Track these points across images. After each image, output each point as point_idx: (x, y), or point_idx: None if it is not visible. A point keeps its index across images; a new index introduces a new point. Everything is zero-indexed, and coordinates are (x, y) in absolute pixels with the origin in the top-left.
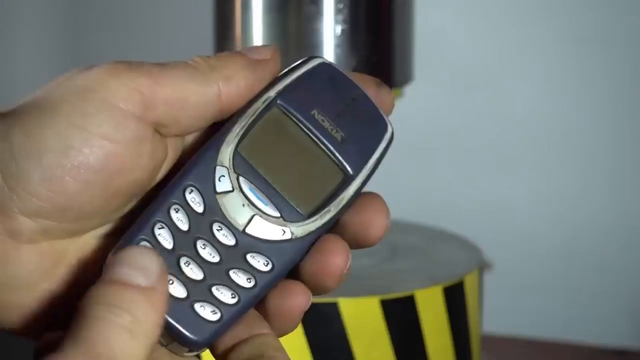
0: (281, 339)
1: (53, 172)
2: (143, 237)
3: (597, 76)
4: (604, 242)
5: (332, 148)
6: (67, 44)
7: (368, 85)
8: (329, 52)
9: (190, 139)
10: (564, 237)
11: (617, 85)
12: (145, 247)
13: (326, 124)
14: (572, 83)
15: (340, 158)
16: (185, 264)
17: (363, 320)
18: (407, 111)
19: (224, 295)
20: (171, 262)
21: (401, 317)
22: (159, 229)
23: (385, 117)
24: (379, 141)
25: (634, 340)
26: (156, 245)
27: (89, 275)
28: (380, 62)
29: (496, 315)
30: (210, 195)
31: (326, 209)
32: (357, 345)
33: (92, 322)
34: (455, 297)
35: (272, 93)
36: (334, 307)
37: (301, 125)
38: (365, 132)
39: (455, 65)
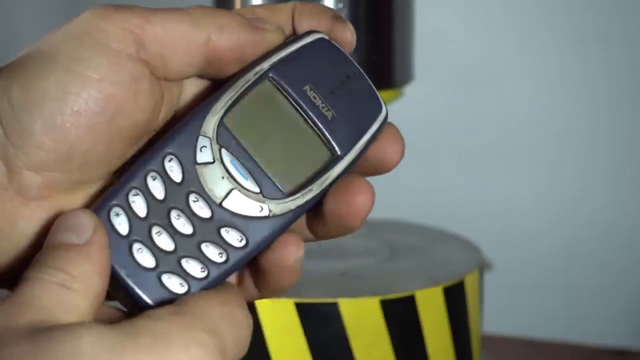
0: (281, 340)
1: (54, 121)
2: (116, 202)
3: (597, 76)
4: (604, 242)
5: (321, 126)
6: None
7: (322, 18)
8: None
9: (187, 97)
10: (564, 237)
11: (617, 85)
12: (79, 209)
13: (317, 101)
14: (572, 83)
15: (328, 137)
16: (157, 233)
17: (363, 320)
18: (407, 111)
19: (193, 268)
20: (143, 230)
21: (401, 317)
22: (134, 195)
23: (380, 98)
24: (371, 122)
25: (634, 340)
26: (129, 212)
27: None
28: (380, 62)
29: (496, 315)
30: (189, 165)
31: (308, 188)
32: (357, 345)
33: (26, 282)
34: (455, 297)
35: (265, 65)
36: (334, 307)
37: (291, 101)
38: (358, 111)
39: (455, 65)
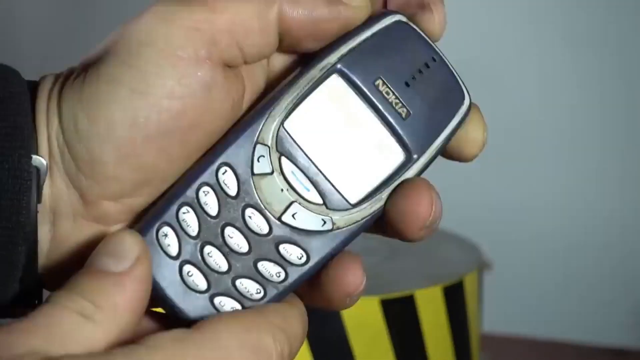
0: None
1: (126, 149)
2: (165, 221)
3: (598, 76)
4: (604, 241)
5: (394, 125)
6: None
7: (412, 6)
8: None
9: (274, 71)
10: (564, 237)
11: (618, 85)
12: (127, 231)
13: (391, 97)
14: (574, 84)
15: (403, 137)
16: (209, 253)
17: (363, 320)
18: None
19: (249, 289)
20: (193, 250)
21: (401, 317)
22: (184, 213)
23: (463, 85)
24: (451, 116)
25: (634, 340)
26: (179, 230)
27: None
28: None
29: (496, 315)
30: (245, 177)
31: (377, 197)
32: (357, 345)
33: (46, 306)
34: (455, 297)
35: (332, 59)
36: None
37: (361, 98)
38: (437, 105)
39: (455, 65)
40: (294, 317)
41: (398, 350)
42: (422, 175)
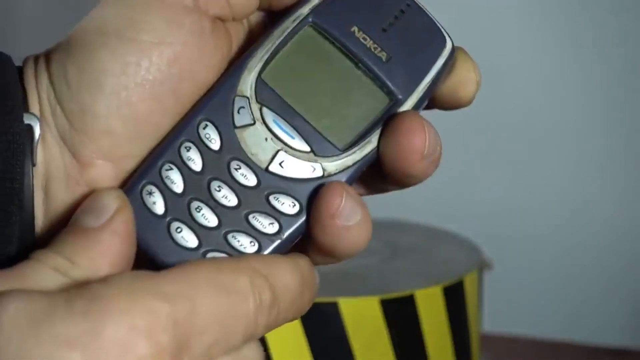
0: (281, 339)
1: (118, 98)
2: (148, 181)
3: (601, 76)
4: (604, 241)
5: (375, 69)
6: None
7: None
8: None
9: (256, 25)
10: (563, 237)
11: (618, 85)
12: (107, 188)
13: (368, 42)
14: (574, 83)
15: (385, 80)
16: (197, 209)
17: (363, 320)
18: None
19: (242, 243)
20: (181, 207)
21: (401, 317)
22: (167, 170)
23: (442, 29)
24: (434, 58)
25: (634, 340)
26: (164, 188)
27: None
28: None
29: (496, 315)
30: (228, 130)
31: (366, 140)
32: (357, 345)
33: (24, 263)
34: (455, 297)
35: (304, 10)
36: (334, 306)
37: (338, 45)
38: (418, 48)
39: None
40: (283, 267)
41: (398, 350)
42: None
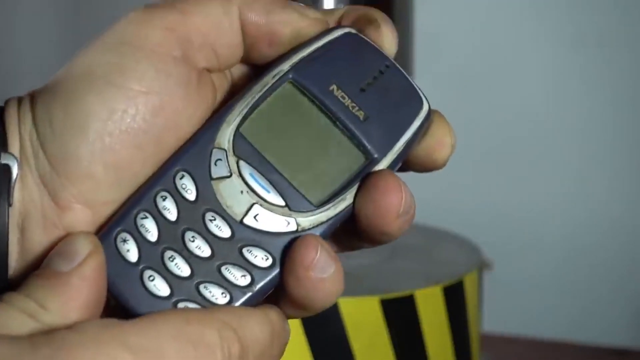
0: None
1: (102, 143)
2: (123, 228)
3: (598, 76)
4: (604, 242)
5: (352, 127)
6: (70, 11)
7: (362, 23)
8: None
9: (238, 77)
10: (564, 237)
11: (618, 85)
12: (80, 232)
13: (347, 101)
14: (572, 83)
15: (361, 138)
16: (169, 258)
17: (363, 320)
18: None
19: (214, 294)
20: (154, 256)
21: (401, 317)
22: (142, 218)
23: (420, 91)
24: (411, 119)
25: (634, 340)
26: (138, 236)
27: None
28: None
29: (496, 315)
30: (204, 181)
31: (341, 197)
32: (357, 345)
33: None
34: (455, 297)
35: (285, 66)
36: (334, 306)
37: (316, 102)
38: (395, 109)
39: (455, 65)
40: (253, 320)
41: (398, 350)
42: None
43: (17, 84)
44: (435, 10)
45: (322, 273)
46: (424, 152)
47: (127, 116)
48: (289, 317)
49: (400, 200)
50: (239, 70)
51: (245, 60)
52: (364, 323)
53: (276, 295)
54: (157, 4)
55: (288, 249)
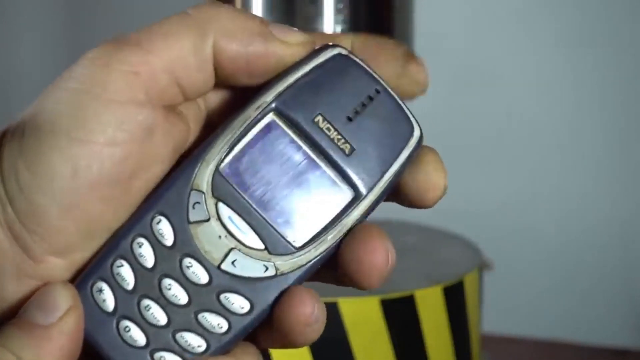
0: None
1: (69, 200)
2: (99, 276)
3: (598, 76)
4: (604, 242)
5: (337, 162)
6: (67, 28)
7: (390, 59)
8: None
9: (217, 100)
10: (564, 237)
11: (618, 84)
12: (58, 283)
13: (332, 133)
14: (573, 83)
15: (347, 174)
16: (146, 307)
17: (363, 320)
18: None
19: (190, 342)
20: (130, 305)
21: (401, 317)
22: (118, 267)
23: (411, 116)
24: (399, 149)
25: (634, 340)
26: (114, 285)
27: None
28: None
29: (496, 315)
30: (181, 226)
31: (322, 239)
32: (357, 345)
33: None
34: (455, 297)
35: (268, 97)
36: (334, 307)
37: (300, 136)
38: (384, 138)
39: (455, 65)
40: None
41: (398, 350)
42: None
43: (16, 99)
44: (435, 11)
45: (316, 322)
46: (417, 191)
47: (92, 171)
48: (268, 348)
49: (387, 264)
50: (218, 95)
51: (224, 86)
52: (364, 323)
53: (257, 330)
54: (121, 40)
55: (269, 295)
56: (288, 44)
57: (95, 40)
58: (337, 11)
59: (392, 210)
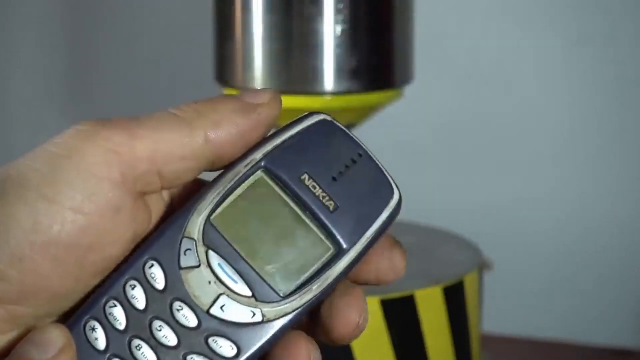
0: None
1: (22, 251)
2: (92, 316)
3: (601, 76)
4: (604, 241)
5: (322, 218)
6: (65, 43)
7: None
8: (329, 52)
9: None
10: (564, 237)
11: (620, 85)
12: (53, 324)
13: (317, 191)
14: (574, 83)
15: (331, 229)
16: (137, 347)
17: None
18: (407, 111)
19: None
20: (121, 345)
21: (401, 317)
22: (111, 307)
23: (391, 180)
24: (380, 209)
25: (634, 340)
26: (106, 325)
27: None
28: (380, 62)
29: (496, 315)
30: (173, 271)
31: (307, 288)
32: (357, 345)
33: None
34: (455, 297)
35: (257, 155)
36: None
37: (287, 192)
38: (366, 198)
39: (455, 65)
40: None
41: (398, 350)
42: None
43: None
44: (435, 10)
45: None
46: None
47: (52, 231)
48: None
49: (360, 322)
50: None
51: (213, 170)
52: None
53: None
54: (110, 121)
55: (256, 340)
56: (264, 104)
57: (95, 45)
58: (337, 11)
59: None
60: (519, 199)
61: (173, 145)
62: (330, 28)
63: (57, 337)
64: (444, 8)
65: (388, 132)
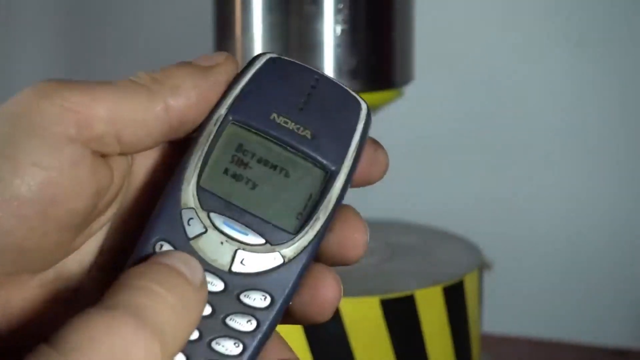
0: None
1: None
2: None
3: (601, 76)
4: (604, 241)
5: (303, 148)
6: (65, 44)
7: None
8: (329, 52)
9: (148, 162)
10: (564, 237)
11: (621, 85)
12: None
13: (290, 125)
14: (574, 83)
15: (315, 156)
16: None
17: (363, 320)
18: (407, 111)
19: (227, 347)
20: None
21: (401, 317)
22: None
23: (355, 94)
24: (354, 123)
25: (634, 340)
26: None
27: (33, 327)
28: (380, 62)
29: (496, 315)
30: (183, 244)
31: (314, 218)
32: (357, 345)
33: (136, 291)
34: (455, 297)
35: (222, 110)
36: None
37: (262, 135)
38: (337, 117)
39: (455, 65)
40: None
41: (398, 350)
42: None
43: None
44: (435, 10)
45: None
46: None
47: (12, 186)
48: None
49: (365, 241)
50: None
51: (175, 137)
52: (364, 323)
53: None
54: (69, 80)
55: (284, 282)
56: (219, 64)
57: (95, 46)
58: (337, 11)
59: (392, 210)
60: (519, 199)
61: (133, 109)
62: (330, 28)
63: (200, 267)
64: (444, 8)
65: (388, 132)
